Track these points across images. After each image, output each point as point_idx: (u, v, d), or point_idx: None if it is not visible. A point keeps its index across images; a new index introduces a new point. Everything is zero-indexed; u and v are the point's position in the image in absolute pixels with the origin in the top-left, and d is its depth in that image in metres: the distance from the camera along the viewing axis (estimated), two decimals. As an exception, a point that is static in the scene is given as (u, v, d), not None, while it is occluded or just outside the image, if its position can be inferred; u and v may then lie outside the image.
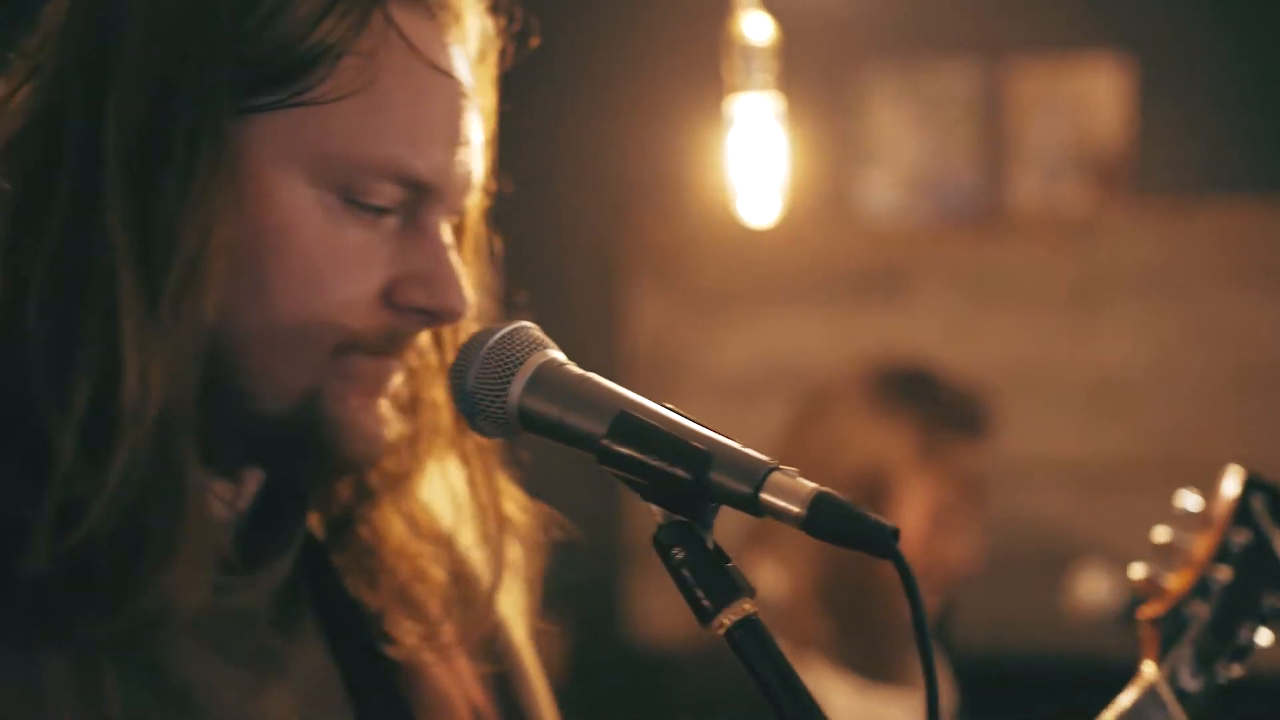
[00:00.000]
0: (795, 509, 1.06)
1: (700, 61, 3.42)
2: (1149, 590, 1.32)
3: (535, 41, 1.36)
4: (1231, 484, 1.41)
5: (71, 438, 1.13)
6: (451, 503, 1.37)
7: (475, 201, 1.29)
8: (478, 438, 1.29)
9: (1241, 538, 1.38)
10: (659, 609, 3.92)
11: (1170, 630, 1.33)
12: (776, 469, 1.08)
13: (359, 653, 1.32)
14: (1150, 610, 1.33)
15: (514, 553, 1.37)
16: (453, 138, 1.23)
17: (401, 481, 1.34)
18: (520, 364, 1.17)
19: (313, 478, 1.31)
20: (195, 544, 1.16)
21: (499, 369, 1.17)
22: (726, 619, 1.09)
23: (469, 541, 1.38)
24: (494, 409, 1.17)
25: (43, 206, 1.17)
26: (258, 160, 1.18)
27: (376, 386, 1.24)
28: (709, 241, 3.99)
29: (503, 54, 1.32)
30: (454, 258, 1.25)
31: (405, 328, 1.24)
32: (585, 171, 4.02)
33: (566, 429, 1.15)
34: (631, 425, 1.12)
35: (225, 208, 1.15)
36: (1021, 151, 3.88)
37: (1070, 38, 3.90)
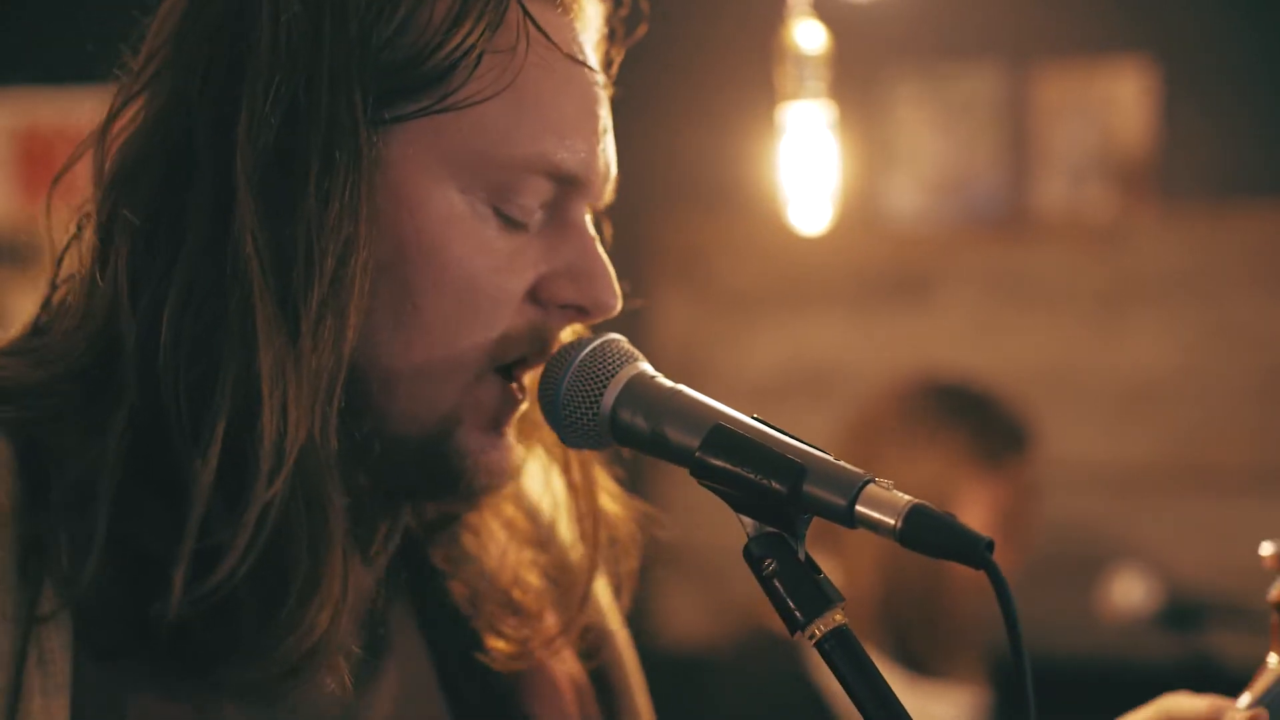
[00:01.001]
0: (890, 521, 1.07)
1: (744, 67, 3.42)
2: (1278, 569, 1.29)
3: (644, 28, 1.32)
4: None
5: (208, 477, 1.08)
6: (549, 498, 1.35)
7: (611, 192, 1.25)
8: None
9: None
10: (685, 610, 3.92)
11: None
12: (872, 481, 1.09)
13: (456, 649, 1.29)
14: (1277, 595, 1.30)
15: (610, 548, 1.34)
16: (594, 128, 1.20)
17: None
18: (612, 376, 1.17)
19: (432, 502, 1.28)
20: (340, 581, 1.11)
21: (591, 381, 1.18)
22: (818, 629, 1.10)
23: (566, 537, 1.36)
24: (585, 421, 1.18)
25: (172, 236, 1.13)
26: (403, 173, 1.14)
27: (509, 415, 1.21)
28: (734, 244, 3.99)
29: (611, 38, 1.28)
30: (601, 250, 1.22)
31: (552, 324, 1.20)
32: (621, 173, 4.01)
33: (659, 441, 1.15)
34: (726, 438, 1.12)
35: (365, 227, 1.11)
36: (1046, 156, 3.88)
37: (1095, 42, 3.90)
